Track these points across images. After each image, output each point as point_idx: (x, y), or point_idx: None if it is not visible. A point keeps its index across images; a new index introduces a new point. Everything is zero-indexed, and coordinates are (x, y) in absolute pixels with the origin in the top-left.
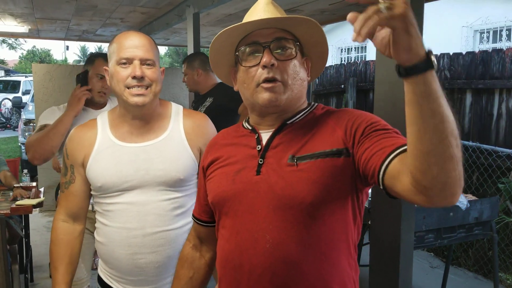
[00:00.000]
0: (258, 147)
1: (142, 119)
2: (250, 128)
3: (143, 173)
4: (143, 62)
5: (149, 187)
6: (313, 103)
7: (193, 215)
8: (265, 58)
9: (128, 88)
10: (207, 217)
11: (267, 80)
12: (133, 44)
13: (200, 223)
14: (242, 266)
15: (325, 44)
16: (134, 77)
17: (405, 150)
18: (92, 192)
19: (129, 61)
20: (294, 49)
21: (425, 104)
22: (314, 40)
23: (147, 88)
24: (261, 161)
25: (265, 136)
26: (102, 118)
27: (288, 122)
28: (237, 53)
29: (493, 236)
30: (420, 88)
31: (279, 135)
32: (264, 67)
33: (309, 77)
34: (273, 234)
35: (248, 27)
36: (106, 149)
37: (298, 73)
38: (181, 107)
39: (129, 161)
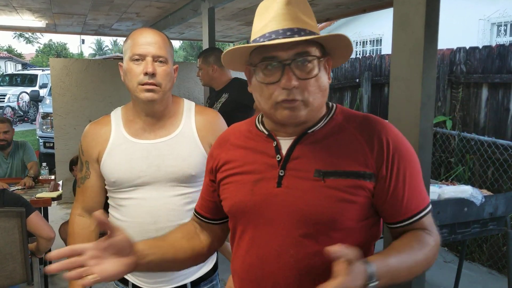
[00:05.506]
0: (278, 157)
1: (155, 116)
2: (266, 132)
3: (154, 169)
4: (155, 59)
5: (161, 183)
6: (331, 104)
7: (195, 210)
8: (285, 80)
9: (141, 84)
10: (209, 214)
11: (286, 100)
12: (146, 41)
13: (201, 218)
14: (264, 280)
15: (350, 50)
16: (146, 74)
17: (413, 222)
18: (106, 187)
19: (142, 58)
20: (317, 63)
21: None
22: (338, 44)
23: (157, 86)
24: (282, 172)
25: (284, 144)
26: (116, 114)
27: (309, 131)
28: (254, 68)
29: (507, 232)
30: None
31: (300, 145)
32: (284, 88)
33: (329, 79)
34: (297, 249)
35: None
36: (120, 145)
37: (319, 86)
38: (193, 104)
39: (141, 158)
